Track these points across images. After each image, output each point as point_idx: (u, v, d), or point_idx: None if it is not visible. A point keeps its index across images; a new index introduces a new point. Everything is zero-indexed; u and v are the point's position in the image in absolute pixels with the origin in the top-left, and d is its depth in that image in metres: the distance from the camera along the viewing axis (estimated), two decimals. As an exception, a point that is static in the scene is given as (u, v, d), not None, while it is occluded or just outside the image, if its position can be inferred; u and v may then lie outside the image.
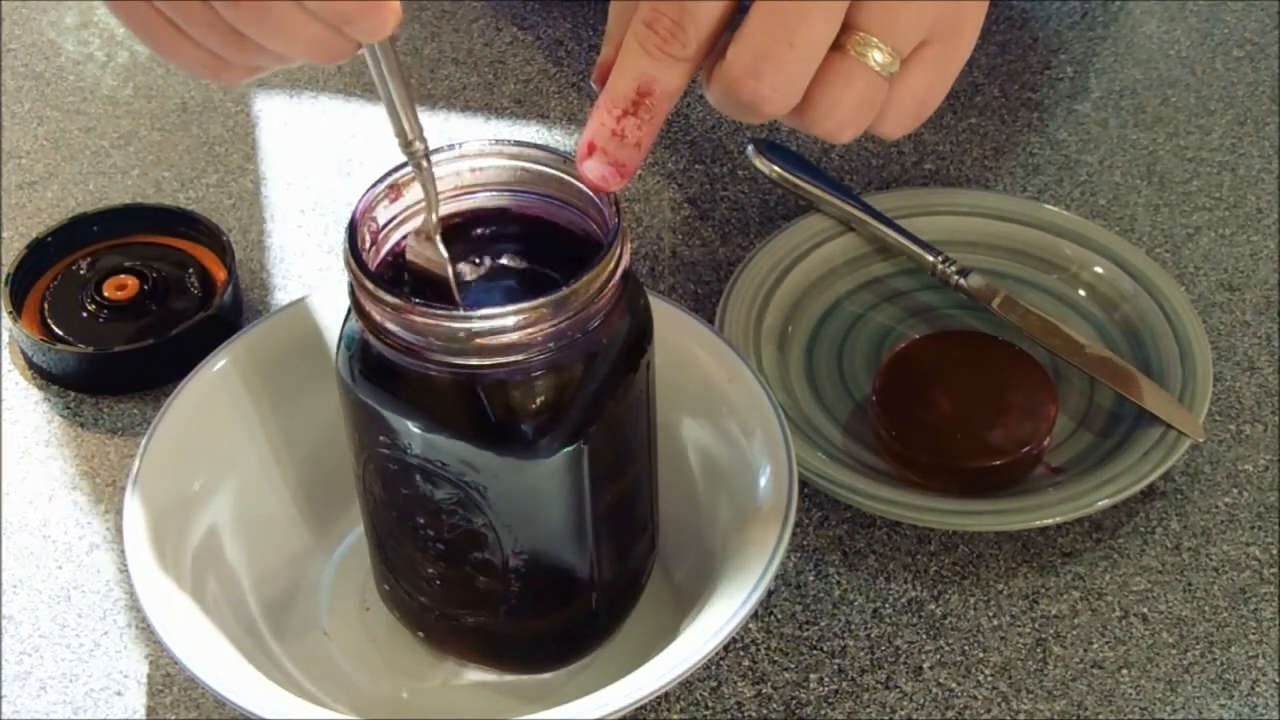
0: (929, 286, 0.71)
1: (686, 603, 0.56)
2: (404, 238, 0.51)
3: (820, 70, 0.49)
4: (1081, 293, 0.71)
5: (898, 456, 0.64)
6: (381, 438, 0.50)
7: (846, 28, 0.49)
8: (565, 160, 0.51)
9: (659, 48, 0.49)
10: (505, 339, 0.46)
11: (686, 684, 0.58)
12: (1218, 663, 0.58)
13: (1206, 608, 0.60)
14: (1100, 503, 0.60)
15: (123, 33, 0.87)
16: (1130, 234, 0.75)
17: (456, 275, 0.50)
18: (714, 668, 0.58)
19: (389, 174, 0.51)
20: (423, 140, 0.49)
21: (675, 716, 0.57)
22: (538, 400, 0.48)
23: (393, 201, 0.51)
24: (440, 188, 0.51)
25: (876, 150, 0.80)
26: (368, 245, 0.49)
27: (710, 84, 0.50)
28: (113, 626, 0.60)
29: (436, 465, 0.49)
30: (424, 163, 0.49)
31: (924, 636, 0.59)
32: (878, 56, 0.50)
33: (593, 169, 0.49)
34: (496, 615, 0.54)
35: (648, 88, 0.49)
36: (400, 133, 0.49)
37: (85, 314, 0.69)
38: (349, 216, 0.49)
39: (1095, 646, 0.59)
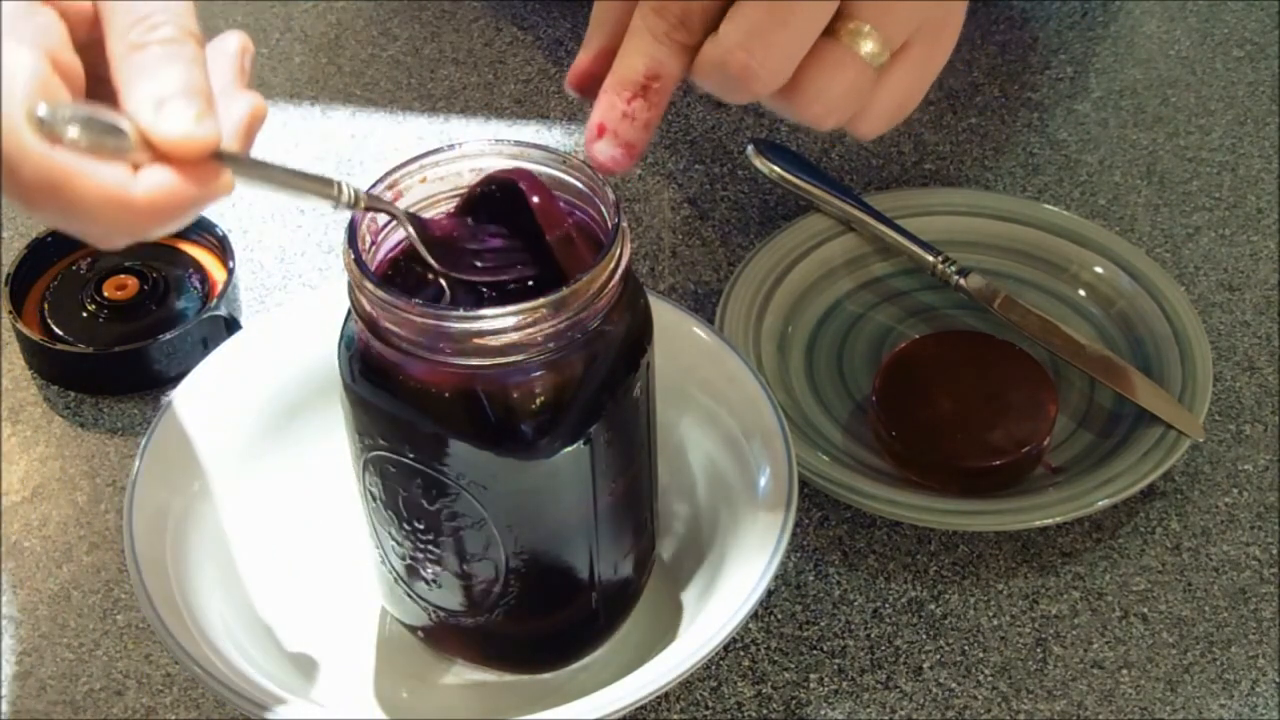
0: (929, 286, 0.71)
1: (687, 603, 0.56)
2: (403, 240, 0.51)
3: (811, 54, 0.50)
4: (1081, 293, 0.71)
5: (898, 456, 0.64)
6: (381, 438, 0.50)
7: (841, 15, 0.50)
8: (565, 160, 0.51)
9: (668, 35, 0.50)
10: (505, 339, 0.47)
11: (686, 684, 0.58)
12: (1218, 663, 0.58)
13: (1206, 608, 0.60)
14: (1100, 503, 0.60)
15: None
16: (1130, 234, 0.75)
17: (457, 277, 0.50)
18: (714, 668, 0.58)
19: (389, 174, 0.51)
20: (343, 185, 0.47)
21: (675, 716, 0.57)
22: (538, 400, 0.48)
23: (393, 202, 0.51)
24: (440, 188, 0.51)
25: (876, 150, 0.79)
26: (368, 245, 0.49)
27: (700, 59, 0.51)
28: (113, 626, 0.60)
29: (436, 465, 0.49)
30: (361, 199, 0.47)
31: (924, 636, 0.59)
32: (869, 46, 0.50)
33: (603, 150, 0.51)
34: (496, 615, 0.54)
35: (655, 72, 0.50)
36: (325, 196, 0.46)
37: (85, 314, 0.69)
38: (349, 216, 0.49)
39: (1095, 646, 0.59)
